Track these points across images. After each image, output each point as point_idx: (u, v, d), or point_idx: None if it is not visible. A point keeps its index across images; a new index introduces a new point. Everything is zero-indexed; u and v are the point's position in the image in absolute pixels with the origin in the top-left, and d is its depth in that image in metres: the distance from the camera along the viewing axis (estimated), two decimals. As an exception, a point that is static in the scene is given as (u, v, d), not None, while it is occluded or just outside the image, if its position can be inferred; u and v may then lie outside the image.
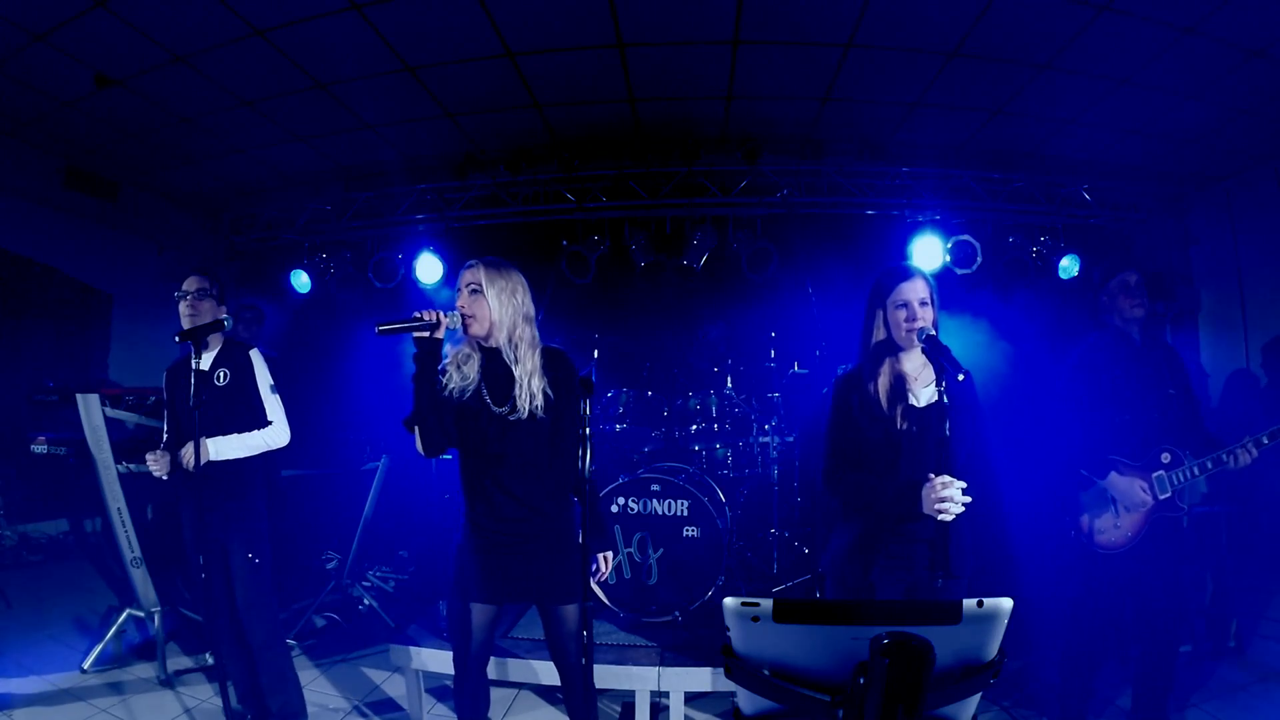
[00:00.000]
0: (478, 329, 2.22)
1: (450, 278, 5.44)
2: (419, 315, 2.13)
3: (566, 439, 2.26)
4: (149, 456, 2.72)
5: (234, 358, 2.87)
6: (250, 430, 2.81)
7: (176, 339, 2.61)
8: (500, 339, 2.24)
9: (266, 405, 2.87)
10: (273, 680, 2.83)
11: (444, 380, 2.24)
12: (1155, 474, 2.62)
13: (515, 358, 2.23)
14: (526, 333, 2.26)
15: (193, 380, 2.49)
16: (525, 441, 2.21)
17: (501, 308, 2.22)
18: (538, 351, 2.26)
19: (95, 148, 5.01)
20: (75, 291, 5.47)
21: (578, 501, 2.25)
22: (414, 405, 2.18)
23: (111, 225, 5.67)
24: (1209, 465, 2.56)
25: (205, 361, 2.81)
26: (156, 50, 3.81)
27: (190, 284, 2.82)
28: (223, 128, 4.82)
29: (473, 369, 2.24)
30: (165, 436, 2.90)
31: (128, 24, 3.56)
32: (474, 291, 2.22)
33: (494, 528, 2.23)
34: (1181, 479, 2.60)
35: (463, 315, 2.20)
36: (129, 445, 3.77)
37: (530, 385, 2.20)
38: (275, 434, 2.87)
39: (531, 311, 2.29)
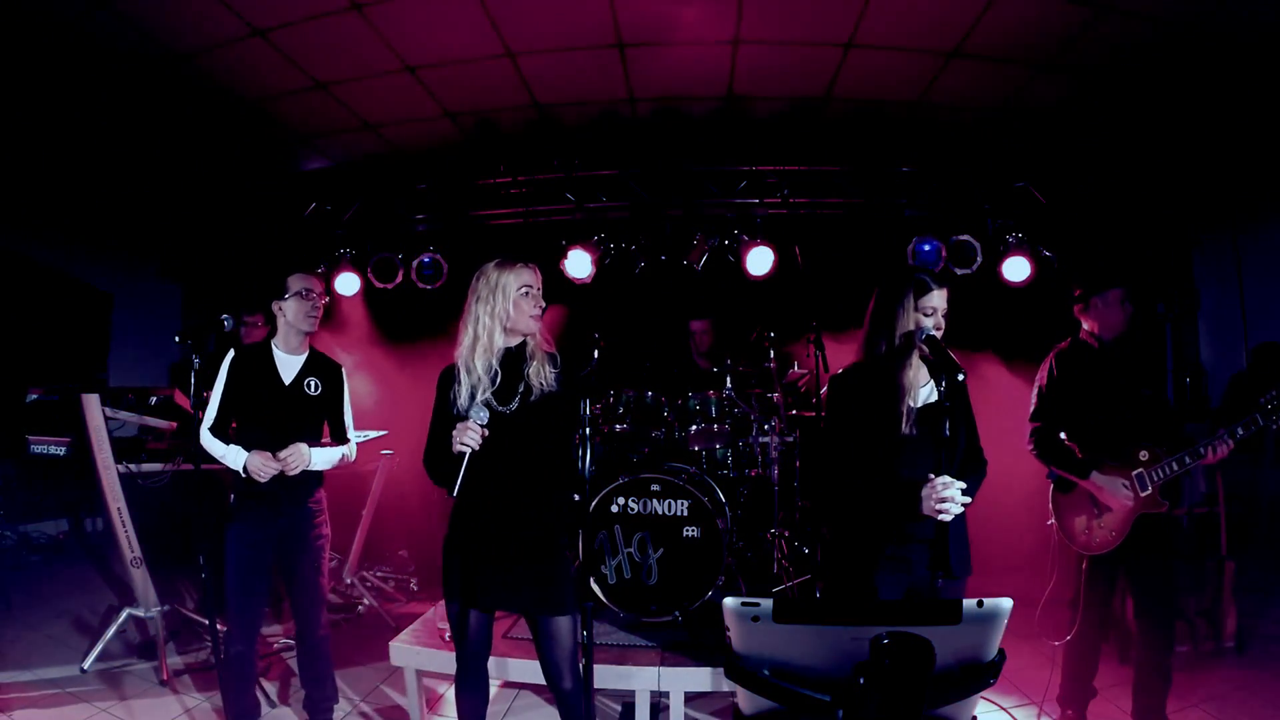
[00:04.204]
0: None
1: (451, 277, 5.42)
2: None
3: (561, 438, 2.25)
4: (260, 459, 2.57)
5: (326, 370, 2.86)
6: (336, 445, 2.86)
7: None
8: (529, 337, 2.26)
9: (348, 422, 2.93)
10: (321, 670, 2.88)
11: (451, 395, 2.21)
12: (1135, 471, 2.65)
13: (533, 355, 2.24)
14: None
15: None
16: (523, 440, 2.19)
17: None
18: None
19: (96, 148, 5.00)
20: (75, 291, 5.47)
21: (568, 504, 2.24)
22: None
23: (112, 225, 5.66)
24: (1187, 460, 2.60)
25: (294, 365, 2.79)
26: (156, 49, 3.81)
27: (314, 283, 2.78)
28: (222, 127, 4.81)
29: (482, 368, 2.19)
30: (213, 420, 2.70)
31: (127, 23, 3.55)
32: (538, 293, 2.25)
33: (479, 529, 2.17)
34: (1161, 475, 2.63)
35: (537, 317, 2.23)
36: (128, 445, 3.77)
37: (540, 383, 2.20)
38: (352, 450, 2.92)
39: None
